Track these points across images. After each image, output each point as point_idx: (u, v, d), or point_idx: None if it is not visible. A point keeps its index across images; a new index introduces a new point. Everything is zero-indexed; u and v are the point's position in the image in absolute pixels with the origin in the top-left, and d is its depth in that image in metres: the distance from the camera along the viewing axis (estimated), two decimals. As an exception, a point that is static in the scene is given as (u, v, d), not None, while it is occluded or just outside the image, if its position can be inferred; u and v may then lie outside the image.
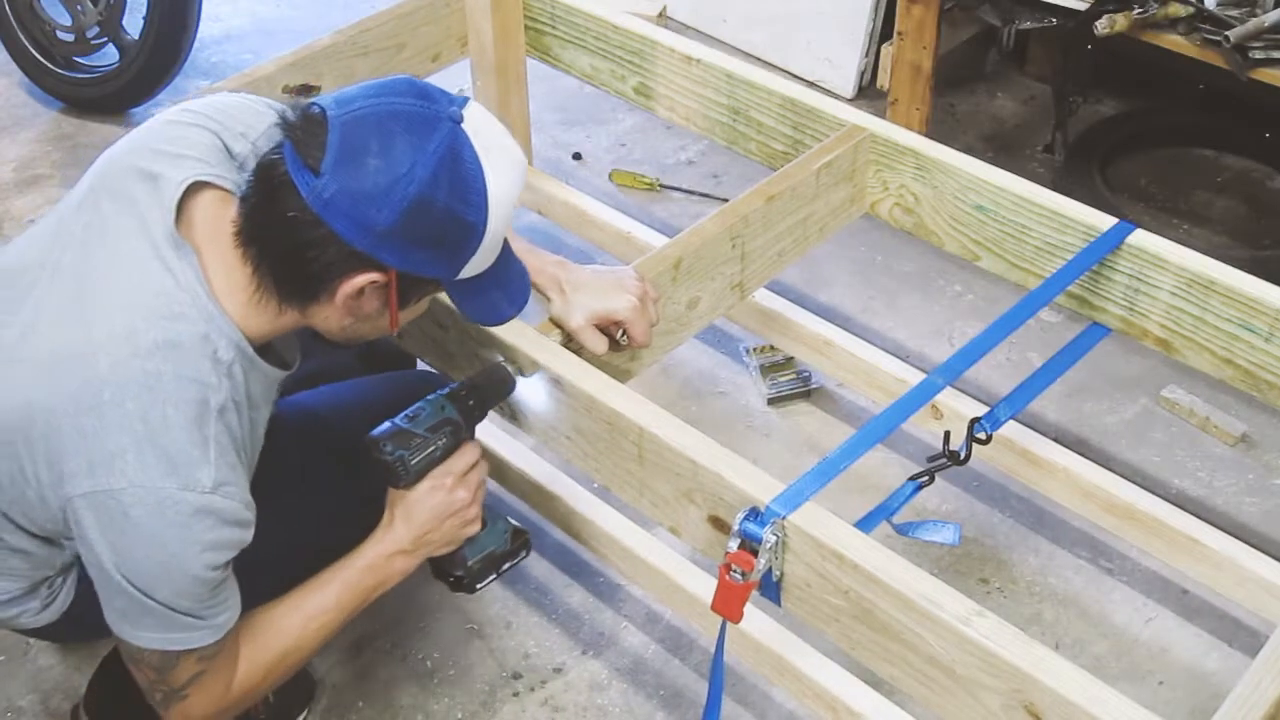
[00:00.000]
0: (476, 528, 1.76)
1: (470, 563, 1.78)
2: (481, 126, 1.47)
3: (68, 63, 3.53)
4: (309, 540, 1.73)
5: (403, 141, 1.41)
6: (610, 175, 3.29)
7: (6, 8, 3.52)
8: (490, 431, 2.13)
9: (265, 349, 1.59)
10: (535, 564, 2.32)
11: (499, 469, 2.14)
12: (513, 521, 1.85)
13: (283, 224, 1.44)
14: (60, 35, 3.50)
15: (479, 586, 1.81)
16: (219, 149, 1.58)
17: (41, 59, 3.54)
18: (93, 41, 3.47)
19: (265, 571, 1.60)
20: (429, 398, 1.70)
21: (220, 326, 1.49)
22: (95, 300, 1.49)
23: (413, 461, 1.66)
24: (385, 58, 2.49)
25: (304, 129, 1.42)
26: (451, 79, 3.35)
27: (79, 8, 3.41)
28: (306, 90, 2.34)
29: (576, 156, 3.38)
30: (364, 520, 1.72)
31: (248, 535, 1.52)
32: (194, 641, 1.53)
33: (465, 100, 1.48)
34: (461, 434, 1.70)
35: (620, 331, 1.82)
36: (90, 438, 1.45)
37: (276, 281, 1.50)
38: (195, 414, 1.46)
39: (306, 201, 1.41)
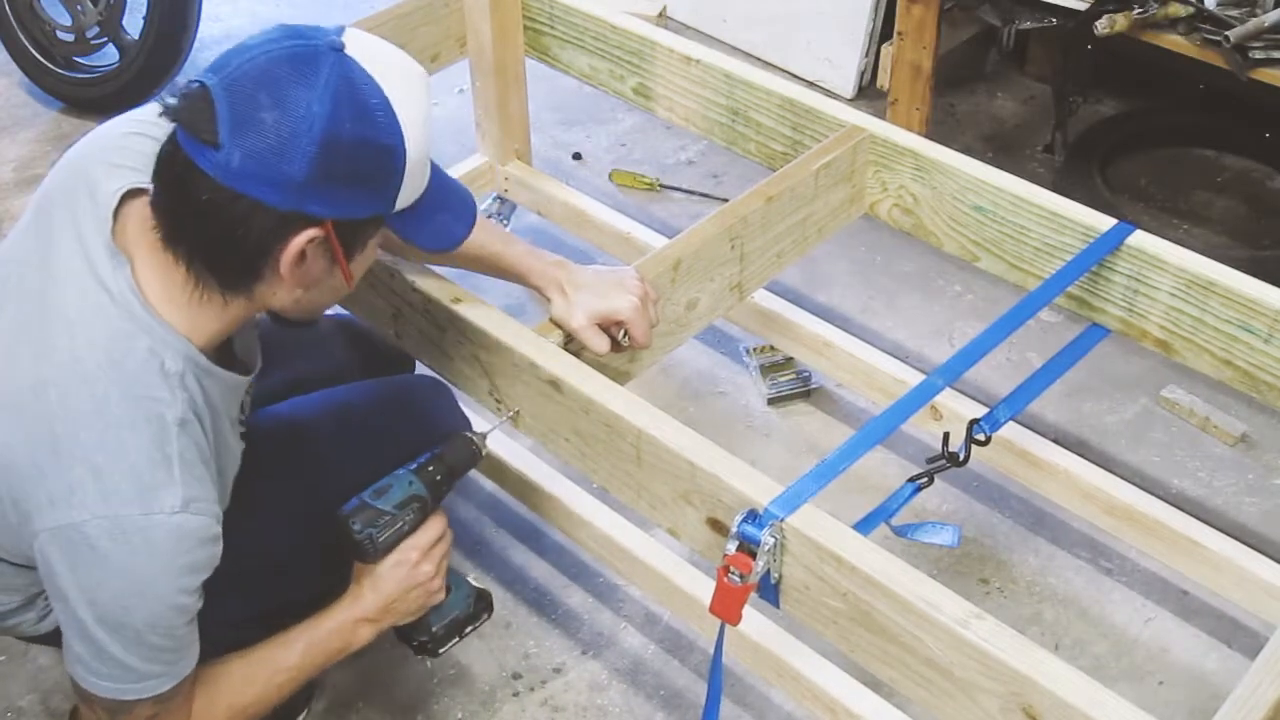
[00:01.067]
0: (441, 598, 1.78)
1: (435, 629, 1.82)
2: (369, 48, 1.41)
3: (68, 63, 3.54)
4: (283, 554, 1.74)
5: (291, 85, 1.34)
6: (610, 175, 3.29)
7: (6, 8, 3.53)
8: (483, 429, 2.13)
9: (225, 355, 1.55)
10: (535, 564, 2.33)
11: (498, 470, 2.14)
12: (474, 584, 1.88)
13: (200, 210, 1.37)
14: (60, 35, 3.50)
15: (442, 651, 1.84)
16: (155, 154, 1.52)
17: (41, 59, 3.54)
18: (93, 41, 3.48)
19: (236, 587, 1.57)
20: (397, 473, 1.72)
21: (163, 337, 1.44)
22: (40, 326, 1.45)
23: (380, 539, 1.68)
24: (384, 58, 2.49)
25: (189, 108, 1.35)
26: (450, 80, 3.38)
27: (79, 8, 3.42)
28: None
29: (576, 156, 3.38)
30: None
31: (218, 550, 1.48)
32: (150, 690, 1.50)
33: (342, 29, 1.41)
34: (428, 509, 1.73)
35: (621, 332, 1.82)
36: (49, 474, 1.40)
37: (213, 272, 1.43)
38: (153, 434, 1.41)
39: (216, 179, 1.34)
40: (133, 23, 3.40)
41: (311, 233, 1.40)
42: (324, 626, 1.70)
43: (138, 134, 1.56)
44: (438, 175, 1.54)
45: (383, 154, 1.40)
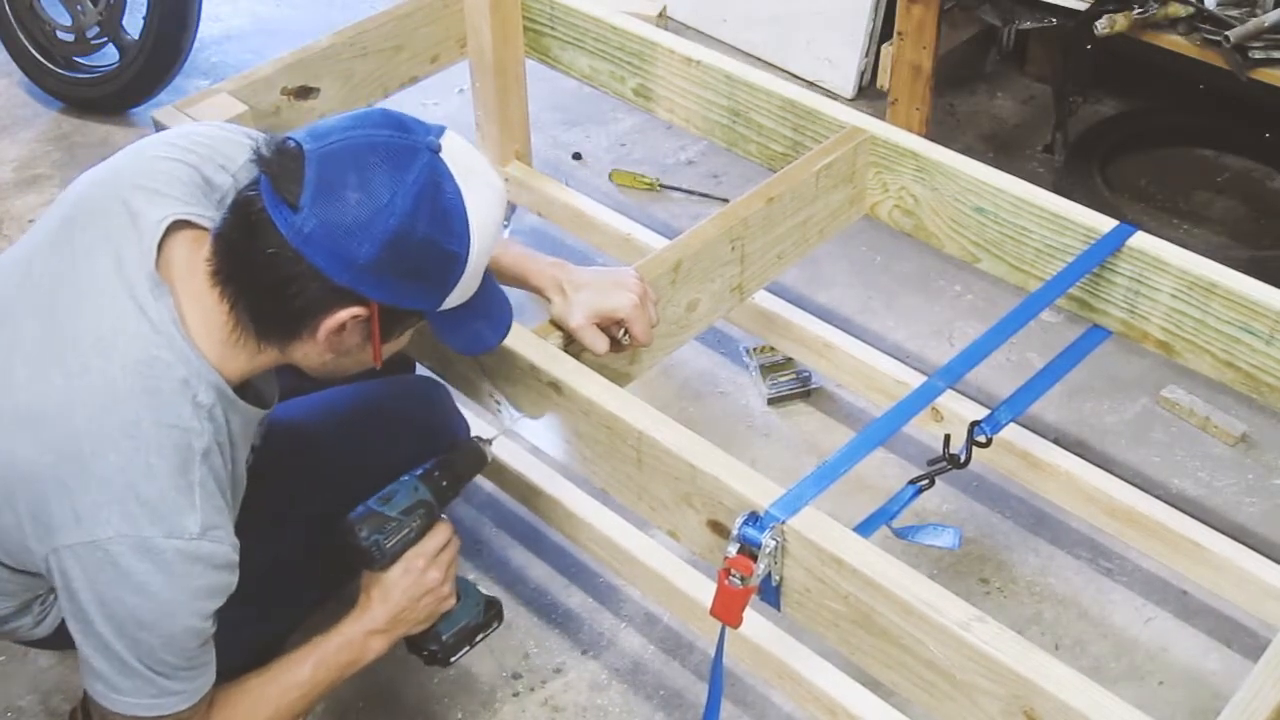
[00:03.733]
0: (451, 604, 1.79)
1: (445, 637, 1.81)
2: (460, 154, 1.46)
3: (68, 63, 3.54)
4: (282, 560, 1.74)
5: (381, 173, 1.39)
6: (610, 175, 3.29)
7: (6, 8, 3.52)
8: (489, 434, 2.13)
9: (244, 387, 1.57)
10: (535, 565, 2.33)
11: (498, 472, 2.13)
12: (484, 592, 1.88)
13: (261, 261, 1.41)
14: (60, 35, 3.50)
15: (453, 660, 1.84)
16: (199, 184, 1.56)
17: (41, 59, 3.54)
18: (93, 41, 3.48)
19: (243, 596, 1.57)
20: (403, 479, 1.73)
21: (198, 369, 1.47)
22: (70, 346, 1.46)
23: (387, 545, 1.68)
24: (384, 59, 2.49)
25: (280, 163, 1.40)
26: (450, 80, 3.37)
27: (79, 8, 3.41)
28: (305, 92, 2.34)
29: (576, 156, 3.38)
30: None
31: (234, 579, 1.51)
32: (170, 707, 1.51)
33: (442, 129, 1.46)
34: (434, 514, 1.73)
35: (621, 331, 1.82)
36: (74, 491, 1.42)
37: (255, 320, 1.47)
38: (179, 461, 1.44)
39: (285, 237, 1.38)
40: (133, 23, 3.40)
41: (357, 310, 1.44)
42: (334, 642, 1.70)
43: (175, 160, 1.58)
44: (487, 281, 1.57)
45: (447, 258, 1.44)
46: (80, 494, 1.42)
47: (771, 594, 1.57)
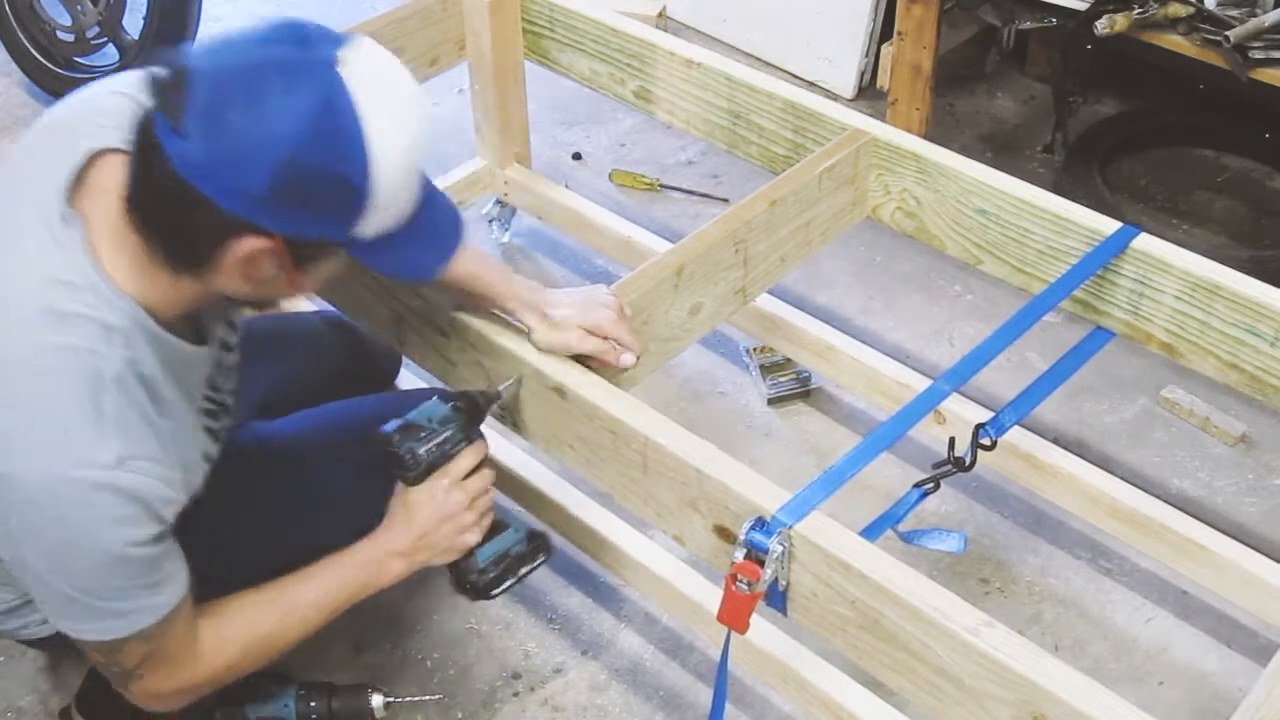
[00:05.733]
0: (475, 537, 1.73)
1: (483, 564, 1.76)
2: (368, 73, 1.34)
3: (68, 63, 3.53)
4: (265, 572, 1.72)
5: (270, 96, 1.28)
6: (610, 175, 3.29)
7: (6, 8, 3.52)
8: (490, 439, 2.12)
9: (182, 322, 1.51)
10: (535, 565, 2.33)
11: (498, 473, 2.13)
12: (530, 526, 1.84)
13: (157, 188, 1.34)
14: (60, 35, 3.49)
15: (496, 592, 1.78)
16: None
17: (41, 59, 3.53)
18: (93, 41, 3.47)
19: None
20: (431, 400, 1.70)
21: (107, 296, 1.40)
22: None
23: (420, 451, 1.65)
24: (385, 60, 2.49)
25: (170, 85, 1.31)
26: (450, 80, 3.37)
27: (79, 8, 3.41)
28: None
29: (576, 156, 3.38)
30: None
31: (169, 509, 1.45)
32: (129, 628, 1.47)
33: (350, 39, 1.36)
34: (470, 432, 1.70)
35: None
36: None
37: (164, 248, 1.39)
38: (87, 386, 1.38)
39: (174, 165, 1.30)
40: (133, 23, 3.39)
41: (260, 242, 1.36)
42: (354, 559, 1.67)
43: (123, 94, 1.51)
44: (427, 204, 1.48)
45: (344, 187, 1.34)
46: None
47: (778, 599, 1.57)
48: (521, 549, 1.80)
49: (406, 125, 1.37)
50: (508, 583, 1.79)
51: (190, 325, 1.54)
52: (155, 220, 1.38)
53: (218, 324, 1.63)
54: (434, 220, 1.50)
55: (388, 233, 1.42)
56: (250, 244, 1.35)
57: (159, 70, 1.34)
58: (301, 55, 1.32)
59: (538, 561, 1.82)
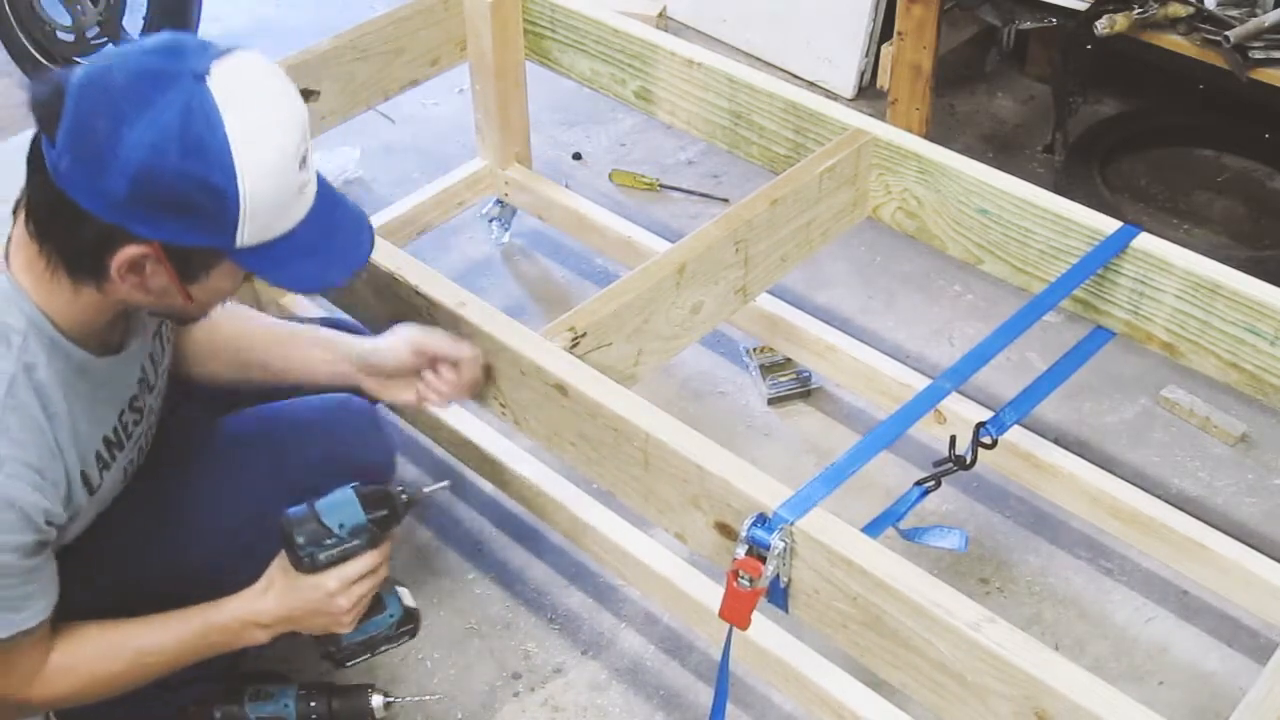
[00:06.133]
0: (347, 630, 1.72)
1: (344, 642, 1.76)
2: (238, 82, 1.36)
3: (68, 63, 3.52)
4: (195, 564, 1.72)
5: (133, 104, 1.31)
6: (610, 175, 3.29)
7: (6, 8, 3.52)
8: (490, 436, 2.14)
9: (96, 336, 1.52)
10: (535, 565, 2.32)
11: (499, 474, 2.13)
12: (407, 604, 1.82)
13: (43, 199, 1.38)
14: (60, 35, 3.50)
15: (350, 664, 1.79)
16: None
17: (41, 59, 3.53)
18: (93, 41, 3.47)
19: (142, 587, 1.57)
20: (347, 492, 1.67)
21: (11, 297, 1.43)
22: None
23: (321, 556, 1.64)
24: (384, 62, 2.49)
25: (46, 101, 1.34)
26: (451, 81, 3.37)
27: (79, 8, 3.41)
28: (305, 95, 2.33)
29: (576, 156, 3.38)
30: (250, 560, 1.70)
31: (39, 519, 1.45)
32: None
33: (226, 52, 1.38)
34: (376, 540, 1.68)
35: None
36: None
37: (59, 258, 1.42)
38: None
39: (50, 175, 1.34)
40: (133, 23, 3.39)
41: (139, 249, 1.37)
42: (213, 620, 1.66)
43: None
44: (322, 214, 1.48)
45: (209, 191, 1.35)
46: None
47: (779, 595, 1.57)
48: (387, 632, 1.80)
49: (275, 134, 1.39)
50: (363, 658, 1.80)
51: (100, 342, 1.54)
52: (46, 231, 1.41)
53: (142, 353, 1.64)
54: (333, 231, 1.51)
55: (274, 241, 1.43)
56: (130, 251, 1.37)
57: (38, 87, 1.36)
58: (170, 66, 1.34)
59: (400, 641, 1.82)
